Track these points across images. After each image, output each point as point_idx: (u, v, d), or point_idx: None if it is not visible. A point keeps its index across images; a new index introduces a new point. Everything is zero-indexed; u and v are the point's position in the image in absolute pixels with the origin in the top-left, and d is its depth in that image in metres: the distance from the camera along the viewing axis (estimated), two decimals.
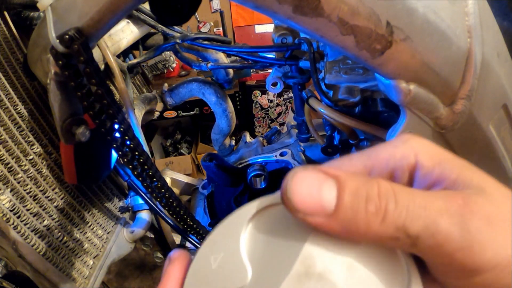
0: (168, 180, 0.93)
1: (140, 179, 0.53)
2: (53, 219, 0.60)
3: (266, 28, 2.56)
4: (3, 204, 0.52)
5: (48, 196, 0.60)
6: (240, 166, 0.91)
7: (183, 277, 0.21)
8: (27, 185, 0.57)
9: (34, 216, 0.57)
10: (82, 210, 0.68)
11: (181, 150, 2.57)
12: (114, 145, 0.47)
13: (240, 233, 0.19)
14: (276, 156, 0.90)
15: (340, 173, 0.17)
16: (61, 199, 0.63)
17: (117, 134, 0.47)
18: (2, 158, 0.53)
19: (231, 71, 0.89)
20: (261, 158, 0.91)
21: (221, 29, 2.54)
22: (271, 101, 2.60)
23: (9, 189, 0.53)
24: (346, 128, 0.53)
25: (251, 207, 0.19)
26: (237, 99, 2.54)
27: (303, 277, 0.17)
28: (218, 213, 0.85)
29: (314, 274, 0.17)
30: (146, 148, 0.61)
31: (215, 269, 0.19)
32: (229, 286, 0.18)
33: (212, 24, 2.61)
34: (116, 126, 0.46)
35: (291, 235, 0.18)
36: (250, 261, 0.18)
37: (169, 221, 0.69)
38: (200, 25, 2.54)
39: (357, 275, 0.17)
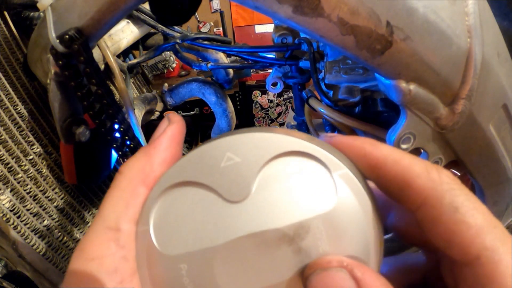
0: None
1: None
2: (53, 219, 0.60)
3: (266, 28, 2.56)
4: (3, 204, 0.52)
5: (48, 196, 0.60)
6: None
7: (180, 141, 0.19)
8: (27, 185, 0.57)
9: (34, 216, 0.57)
10: (82, 210, 0.68)
11: None
12: (114, 145, 0.47)
13: (267, 157, 0.17)
14: None
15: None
16: (61, 199, 0.63)
17: (117, 134, 0.47)
18: (2, 158, 0.53)
19: (231, 71, 0.89)
20: None
21: (221, 29, 2.54)
22: (271, 101, 2.59)
23: (9, 189, 0.53)
24: (346, 128, 0.53)
25: (291, 142, 0.18)
26: (237, 99, 2.54)
27: (286, 240, 0.17)
28: None
29: (296, 245, 0.17)
30: None
31: (221, 167, 0.17)
32: (222, 191, 0.17)
33: (212, 24, 2.61)
34: (116, 126, 0.46)
35: (307, 196, 0.17)
36: (257, 187, 0.17)
37: None
38: (200, 25, 2.54)
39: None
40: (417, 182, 0.17)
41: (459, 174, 0.79)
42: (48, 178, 0.61)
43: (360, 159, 0.18)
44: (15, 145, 0.56)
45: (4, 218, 0.52)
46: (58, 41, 0.39)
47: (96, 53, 0.63)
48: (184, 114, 2.48)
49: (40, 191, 0.59)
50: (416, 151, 0.41)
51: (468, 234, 0.15)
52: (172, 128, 0.19)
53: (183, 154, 0.19)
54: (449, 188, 0.16)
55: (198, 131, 2.68)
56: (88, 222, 0.69)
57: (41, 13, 0.61)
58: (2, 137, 0.54)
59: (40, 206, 0.58)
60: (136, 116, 0.72)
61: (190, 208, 0.17)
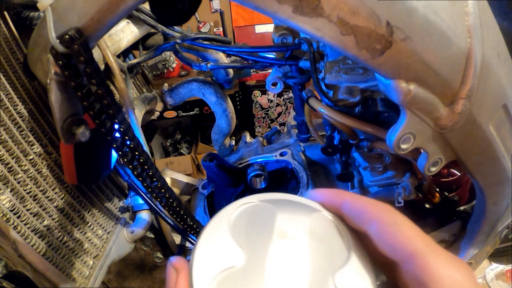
0: (168, 180, 0.93)
1: (140, 179, 0.53)
2: (53, 219, 0.60)
3: (266, 28, 2.56)
4: (3, 204, 0.52)
5: (48, 196, 0.60)
6: (240, 166, 0.91)
7: (187, 281, 0.24)
8: (27, 185, 0.57)
9: (34, 216, 0.57)
10: (82, 210, 0.68)
11: (181, 150, 2.57)
12: (114, 145, 0.47)
13: (227, 226, 0.24)
14: (276, 156, 0.90)
15: None
16: (61, 199, 0.63)
17: (117, 134, 0.47)
18: (2, 158, 0.53)
19: (231, 71, 0.89)
20: (261, 158, 0.91)
21: (221, 29, 2.54)
22: (271, 101, 2.60)
23: (9, 189, 0.53)
24: (346, 128, 0.53)
25: (232, 207, 0.26)
26: (237, 99, 2.54)
27: (281, 239, 0.24)
28: None
29: (288, 237, 0.24)
30: (146, 148, 0.61)
31: (214, 255, 0.23)
32: (227, 266, 0.22)
33: (212, 24, 2.61)
34: (116, 126, 0.46)
35: (265, 221, 0.25)
36: (241, 245, 0.23)
37: (169, 221, 0.69)
38: (200, 25, 2.54)
39: (316, 237, 0.24)
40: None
41: (458, 174, 0.79)
42: (48, 178, 0.61)
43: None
44: (15, 145, 0.56)
45: (4, 218, 0.52)
46: (58, 41, 0.39)
47: (96, 53, 0.63)
48: (184, 114, 2.48)
49: (40, 191, 0.59)
50: (416, 151, 0.41)
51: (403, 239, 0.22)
52: (182, 276, 0.25)
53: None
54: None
55: (198, 131, 2.68)
56: (88, 222, 0.69)
57: (41, 13, 0.61)
58: (2, 137, 0.54)
59: (40, 206, 0.58)
60: (136, 116, 0.72)
61: None
